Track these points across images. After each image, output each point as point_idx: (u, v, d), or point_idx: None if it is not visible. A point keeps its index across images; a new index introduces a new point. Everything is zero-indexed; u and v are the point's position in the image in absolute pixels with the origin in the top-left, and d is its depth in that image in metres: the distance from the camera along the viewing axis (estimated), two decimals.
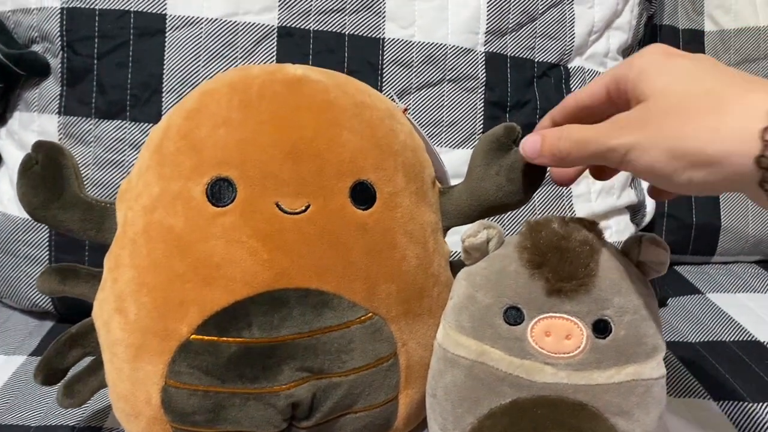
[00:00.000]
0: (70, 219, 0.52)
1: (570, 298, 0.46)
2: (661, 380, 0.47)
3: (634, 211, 0.90)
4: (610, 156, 0.43)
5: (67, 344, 0.53)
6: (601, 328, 0.46)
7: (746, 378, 0.66)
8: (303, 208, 0.48)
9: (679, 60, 0.43)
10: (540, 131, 0.48)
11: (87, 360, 0.54)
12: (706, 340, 0.75)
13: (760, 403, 0.62)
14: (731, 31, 0.97)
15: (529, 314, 0.47)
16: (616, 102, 0.46)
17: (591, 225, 0.48)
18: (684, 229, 0.94)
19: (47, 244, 0.74)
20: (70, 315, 0.75)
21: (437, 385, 0.50)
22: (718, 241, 0.94)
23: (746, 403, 0.62)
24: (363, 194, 0.50)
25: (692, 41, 0.98)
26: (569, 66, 0.85)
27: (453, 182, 0.58)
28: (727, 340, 0.75)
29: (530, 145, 0.48)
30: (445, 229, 0.56)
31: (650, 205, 0.92)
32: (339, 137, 0.49)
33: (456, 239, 0.59)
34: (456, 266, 0.56)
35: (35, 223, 0.73)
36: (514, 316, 0.47)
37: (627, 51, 0.90)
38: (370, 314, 0.50)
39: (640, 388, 0.46)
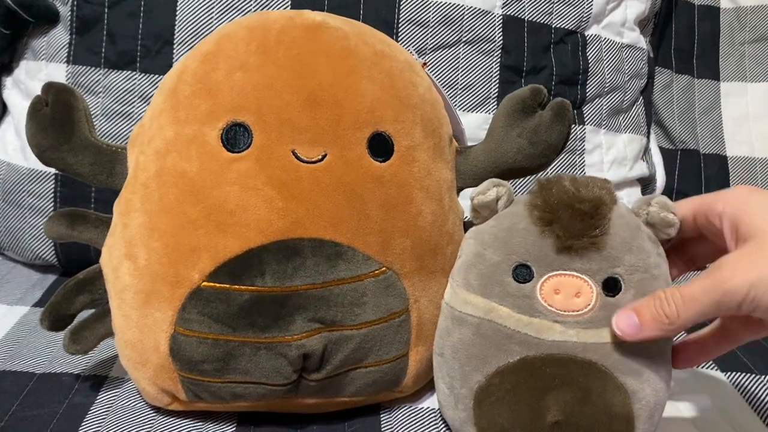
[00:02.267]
0: (80, 162, 0.51)
1: (580, 256, 0.45)
2: (669, 342, 0.47)
3: (645, 184, 0.89)
4: (727, 300, 0.41)
5: (74, 290, 0.52)
6: (611, 286, 0.46)
7: (754, 351, 0.65)
8: (320, 157, 0.47)
9: None
10: (629, 307, 0.45)
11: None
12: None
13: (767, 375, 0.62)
14: (748, 9, 0.96)
15: (538, 272, 0.46)
16: (702, 232, 0.46)
17: (603, 183, 0.47)
18: None
19: (52, 195, 0.73)
20: (74, 268, 0.73)
21: (444, 344, 0.50)
22: None
23: (753, 375, 0.62)
24: (381, 146, 0.49)
25: (708, 17, 0.96)
26: (586, 34, 0.84)
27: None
28: None
29: (626, 323, 0.44)
30: (459, 190, 0.55)
31: (660, 179, 0.92)
32: (358, 86, 0.48)
33: (468, 203, 0.58)
34: (468, 228, 0.55)
35: (41, 173, 0.73)
36: (523, 273, 0.47)
37: (644, 22, 0.89)
38: (384, 268, 0.49)
39: (651, 347, 0.46)
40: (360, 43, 0.50)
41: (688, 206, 0.47)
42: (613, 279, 0.46)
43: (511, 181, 0.53)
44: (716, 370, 0.63)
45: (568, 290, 0.46)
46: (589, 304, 0.45)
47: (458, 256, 0.51)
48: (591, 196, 0.45)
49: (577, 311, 0.46)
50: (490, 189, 0.49)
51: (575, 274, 0.46)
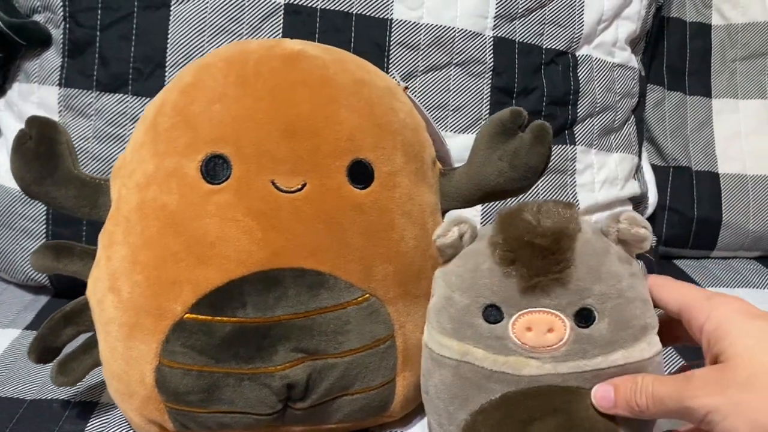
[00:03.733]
0: (64, 196, 0.51)
1: (547, 293, 0.45)
2: (654, 358, 0.46)
3: (637, 203, 0.89)
4: (688, 415, 0.42)
5: (61, 322, 0.53)
6: (584, 317, 0.45)
7: None
8: (299, 186, 0.47)
9: (761, 323, 0.42)
10: (611, 381, 0.45)
11: (82, 338, 0.54)
12: None
13: None
14: (739, 26, 0.95)
15: (507, 311, 0.45)
16: (679, 327, 0.46)
17: (566, 210, 0.45)
18: (685, 223, 0.93)
19: (44, 217, 0.73)
20: (66, 290, 0.75)
21: (428, 384, 0.49)
22: (718, 235, 0.93)
23: None
24: (360, 173, 0.49)
25: (699, 35, 0.96)
26: (577, 54, 0.83)
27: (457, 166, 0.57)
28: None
29: (602, 395, 0.45)
30: (444, 212, 0.55)
31: (652, 197, 0.91)
32: (337, 115, 0.48)
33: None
34: None
35: None
36: (493, 314, 0.46)
37: (635, 41, 0.88)
38: (367, 295, 0.49)
39: (630, 370, 0.45)
40: (339, 71, 0.50)
41: (675, 298, 0.46)
42: (585, 309, 0.45)
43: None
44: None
45: (539, 327, 0.45)
46: (562, 338, 0.45)
47: (431, 295, 0.50)
48: (552, 229, 0.44)
49: (551, 346, 0.45)
50: (451, 229, 0.48)
51: (545, 309, 0.45)
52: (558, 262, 0.44)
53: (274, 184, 0.47)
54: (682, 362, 0.65)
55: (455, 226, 0.48)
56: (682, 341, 0.49)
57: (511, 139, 0.52)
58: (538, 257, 0.44)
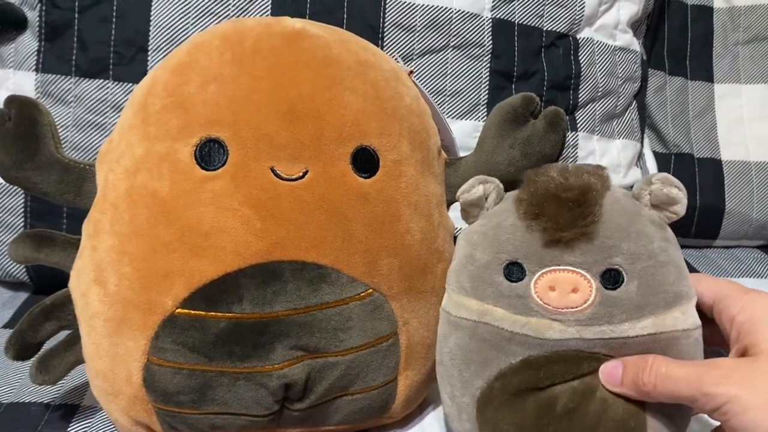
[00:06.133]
0: (46, 181, 0.48)
1: (572, 249, 0.42)
2: (691, 332, 0.43)
3: None
4: (702, 401, 0.39)
5: (41, 316, 0.49)
6: (611, 278, 0.42)
7: None
8: (300, 174, 0.45)
9: None
10: (621, 358, 0.43)
11: (63, 334, 0.50)
12: None
13: None
14: (741, 8, 0.94)
15: (530, 269, 0.43)
16: (706, 327, 0.44)
17: (595, 169, 0.44)
18: (687, 212, 0.90)
19: (22, 210, 0.70)
20: (47, 286, 0.71)
21: (443, 351, 0.47)
22: (721, 224, 0.92)
23: None
24: (365, 161, 0.46)
25: (701, 18, 0.95)
26: (578, 37, 0.82)
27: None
28: None
29: (609, 371, 0.43)
30: (449, 203, 0.53)
31: None
32: (341, 97, 0.46)
33: (458, 214, 0.56)
34: None
35: (10, 188, 0.70)
36: (515, 272, 0.44)
37: (636, 24, 0.87)
38: (370, 290, 0.46)
39: (660, 342, 0.42)
40: (343, 51, 0.47)
41: (710, 289, 0.45)
42: (612, 270, 0.42)
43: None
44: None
45: (563, 286, 0.43)
46: (587, 300, 0.42)
47: (453, 259, 0.48)
48: (578, 183, 0.42)
49: (575, 308, 0.42)
50: (476, 186, 0.46)
51: (570, 268, 0.42)
52: (584, 216, 0.42)
53: (273, 171, 0.44)
54: None
55: (481, 184, 0.46)
56: (708, 343, 0.47)
57: (522, 126, 0.49)
58: (564, 210, 0.42)
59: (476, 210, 0.47)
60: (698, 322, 0.43)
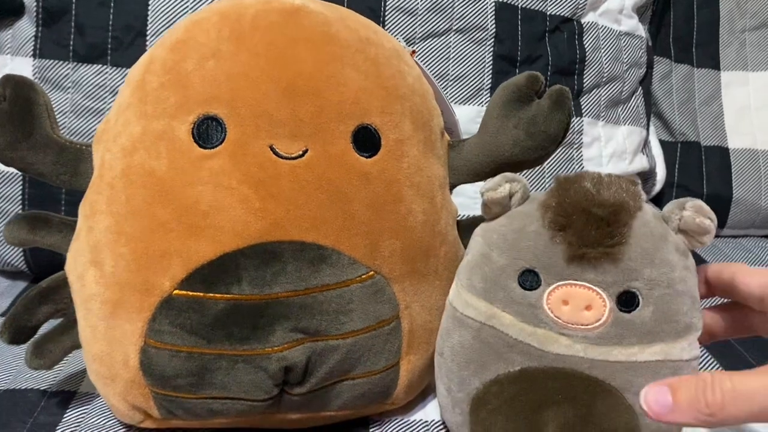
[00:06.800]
0: (42, 161, 0.47)
1: (594, 266, 0.41)
2: (692, 362, 0.43)
3: (645, 178, 0.87)
4: None
5: (36, 299, 0.48)
6: (626, 301, 0.42)
7: (762, 352, 0.63)
8: (300, 152, 0.44)
9: None
10: (665, 381, 0.38)
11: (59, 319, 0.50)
12: None
13: None
14: None
15: (546, 280, 0.42)
16: (754, 316, 0.43)
17: (629, 185, 0.43)
18: None
19: (20, 197, 0.70)
20: (45, 274, 0.69)
21: (444, 345, 0.46)
22: (729, 212, 0.91)
23: None
24: (366, 140, 0.45)
25: (707, 4, 0.94)
26: (582, 21, 0.81)
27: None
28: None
29: (656, 399, 0.37)
30: (452, 186, 0.52)
31: (660, 172, 0.89)
32: (341, 74, 0.45)
33: (461, 200, 0.55)
34: (462, 226, 0.52)
35: (7, 174, 0.69)
36: (530, 280, 0.43)
37: (642, 9, 0.86)
38: (372, 273, 0.45)
39: (666, 369, 0.42)
40: (343, 28, 0.46)
41: (760, 283, 0.42)
42: (629, 293, 0.42)
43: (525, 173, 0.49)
44: (720, 370, 0.60)
45: (577, 302, 0.42)
46: (599, 319, 0.42)
47: (465, 253, 0.47)
48: (611, 200, 0.41)
49: (586, 325, 0.42)
50: (503, 185, 0.45)
51: (587, 285, 0.42)
52: (612, 235, 0.41)
53: (272, 149, 0.43)
54: (718, 367, 0.61)
55: (507, 182, 0.45)
56: (755, 332, 0.45)
57: (527, 106, 0.48)
58: (592, 226, 0.41)
59: (499, 208, 0.46)
60: (698, 352, 0.43)
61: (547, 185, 0.77)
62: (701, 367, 0.61)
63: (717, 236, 0.93)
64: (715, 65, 0.93)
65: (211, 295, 0.43)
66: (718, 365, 0.61)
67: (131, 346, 0.44)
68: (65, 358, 0.50)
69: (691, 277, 0.43)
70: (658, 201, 0.92)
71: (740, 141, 0.91)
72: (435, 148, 0.50)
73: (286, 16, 0.45)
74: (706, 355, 0.62)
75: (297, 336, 0.44)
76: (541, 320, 0.42)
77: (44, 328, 0.50)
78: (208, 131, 0.43)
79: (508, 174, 0.46)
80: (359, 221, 0.45)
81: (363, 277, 0.45)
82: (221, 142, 0.43)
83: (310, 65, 0.44)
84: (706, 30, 0.93)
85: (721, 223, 0.92)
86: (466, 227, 0.51)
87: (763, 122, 0.91)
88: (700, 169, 0.91)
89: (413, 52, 0.52)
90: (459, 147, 0.52)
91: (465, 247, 0.50)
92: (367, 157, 0.45)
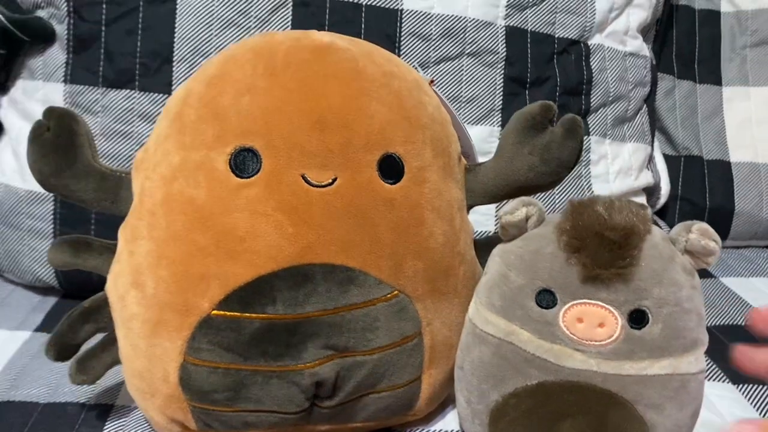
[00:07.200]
0: (84, 189, 0.50)
1: (606, 286, 0.44)
2: (699, 375, 0.46)
3: (650, 193, 0.89)
4: None
5: (79, 319, 0.51)
6: (637, 319, 0.44)
7: None
8: (330, 181, 0.46)
9: None
10: (756, 421, 0.37)
11: (99, 337, 0.52)
12: (721, 323, 0.74)
13: None
14: (749, 12, 0.95)
15: (562, 299, 0.45)
16: None
17: (638, 209, 0.45)
18: (697, 213, 0.93)
19: (51, 217, 0.72)
20: (75, 290, 0.73)
21: (465, 359, 0.49)
22: (731, 225, 0.93)
23: (764, 387, 0.61)
24: (391, 168, 0.48)
25: (708, 22, 0.96)
26: (589, 43, 0.83)
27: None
28: (743, 323, 0.74)
29: None
30: (469, 207, 0.55)
31: (665, 187, 0.91)
32: (367, 108, 0.48)
33: (477, 218, 0.58)
34: (478, 246, 0.55)
35: (39, 195, 0.71)
36: (546, 299, 0.45)
37: (646, 29, 0.89)
38: (396, 292, 0.48)
39: (674, 382, 0.45)
40: (369, 63, 0.49)
41: None
42: (640, 311, 0.44)
43: (539, 197, 0.51)
44: (727, 382, 0.62)
45: (591, 320, 0.44)
46: (612, 336, 0.44)
47: (484, 273, 0.50)
48: (622, 224, 0.44)
49: (600, 341, 0.44)
50: (519, 209, 0.47)
51: (600, 303, 0.44)
52: (624, 257, 0.44)
53: (304, 178, 0.46)
54: (725, 379, 0.63)
55: (524, 206, 0.47)
56: None
57: (541, 133, 0.51)
58: (605, 249, 0.43)
59: (516, 230, 0.48)
60: (704, 365, 0.46)
61: (556, 202, 0.79)
62: (708, 379, 0.63)
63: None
64: (717, 81, 0.95)
65: (248, 315, 0.46)
66: (725, 378, 0.63)
67: (171, 363, 0.47)
68: None
69: (697, 295, 0.46)
70: (663, 214, 0.94)
71: (742, 154, 0.93)
72: (453, 172, 0.52)
73: (317, 53, 0.48)
74: (712, 366, 0.64)
75: (327, 352, 0.47)
76: (558, 337, 0.45)
77: (84, 346, 0.52)
78: (245, 162, 0.46)
79: (524, 198, 0.48)
80: (384, 244, 0.47)
81: (388, 296, 0.48)
82: (257, 172, 0.46)
83: (338, 100, 0.47)
84: (707, 47, 0.95)
85: (724, 235, 0.94)
86: (482, 246, 0.54)
87: (764, 136, 0.93)
88: (703, 182, 0.93)
89: (431, 81, 0.55)
90: (475, 171, 0.54)
91: (481, 264, 0.53)
92: (391, 184, 0.48)
